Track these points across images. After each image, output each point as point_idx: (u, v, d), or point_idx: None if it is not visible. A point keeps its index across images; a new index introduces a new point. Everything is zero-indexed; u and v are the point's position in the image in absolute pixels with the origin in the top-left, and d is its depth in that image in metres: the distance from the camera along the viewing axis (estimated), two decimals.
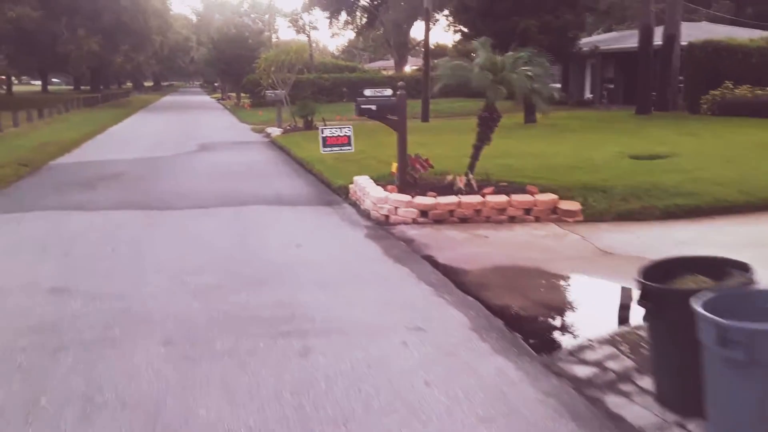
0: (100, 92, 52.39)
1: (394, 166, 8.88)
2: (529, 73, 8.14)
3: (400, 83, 8.24)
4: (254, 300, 5.00)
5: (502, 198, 7.91)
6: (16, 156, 14.11)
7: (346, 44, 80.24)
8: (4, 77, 50.02)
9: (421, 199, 7.91)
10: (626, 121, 20.07)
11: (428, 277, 5.66)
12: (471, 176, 8.39)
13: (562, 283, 5.91)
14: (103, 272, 5.76)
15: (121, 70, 60.61)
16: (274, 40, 49.10)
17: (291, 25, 58.49)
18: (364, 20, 52.76)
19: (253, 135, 20.63)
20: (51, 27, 34.60)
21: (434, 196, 8.02)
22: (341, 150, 12.03)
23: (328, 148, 12.09)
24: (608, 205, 8.05)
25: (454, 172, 9.31)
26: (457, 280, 5.63)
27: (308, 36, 56.42)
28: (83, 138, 19.19)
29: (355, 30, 57.10)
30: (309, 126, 19.90)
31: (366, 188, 8.52)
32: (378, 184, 8.78)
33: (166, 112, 35.73)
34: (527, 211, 7.89)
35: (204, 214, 8.32)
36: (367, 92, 8.27)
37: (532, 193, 8.10)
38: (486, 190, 8.21)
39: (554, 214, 7.91)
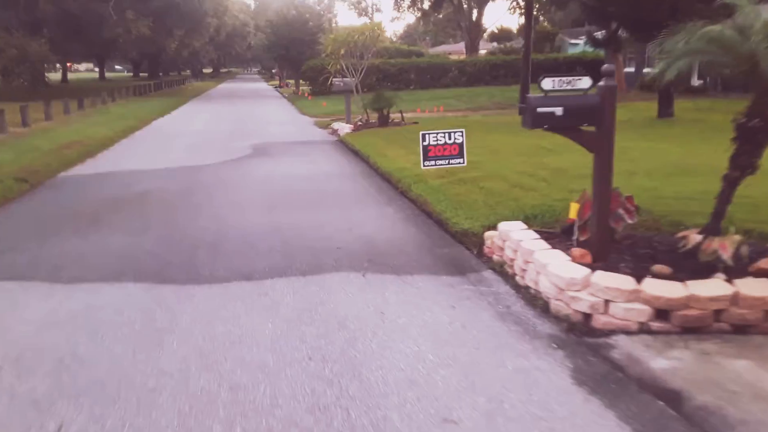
0: (157, 79, 49.93)
1: (574, 210, 5.15)
2: None
3: (606, 67, 4.42)
4: None
5: None
6: (23, 164, 10.96)
7: (404, 29, 76.18)
8: (58, 65, 47.74)
9: (656, 287, 4.13)
10: None
11: None
12: (736, 238, 4.58)
13: None
14: None
15: (178, 56, 57.98)
16: (333, 25, 45.68)
17: (353, 7, 54.97)
18: (431, 1, 48.47)
19: (318, 132, 17.07)
20: (97, 9, 31.67)
21: (674, 276, 4.26)
22: (449, 164, 8.43)
23: (431, 162, 8.46)
24: None
25: (686, 224, 5.60)
26: None
27: (371, 19, 52.76)
28: (118, 135, 16.09)
29: (419, 12, 53.17)
30: (385, 121, 16.28)
31: (534, 253, 4.79)
32: (543, 238, 5.10)
33: (219, 101, 32.62)
34: None
35: (250, 298, 4.76)
36: (546, 84, 4.46)
37: None
38: (764, 263, 4.41)
39: None
